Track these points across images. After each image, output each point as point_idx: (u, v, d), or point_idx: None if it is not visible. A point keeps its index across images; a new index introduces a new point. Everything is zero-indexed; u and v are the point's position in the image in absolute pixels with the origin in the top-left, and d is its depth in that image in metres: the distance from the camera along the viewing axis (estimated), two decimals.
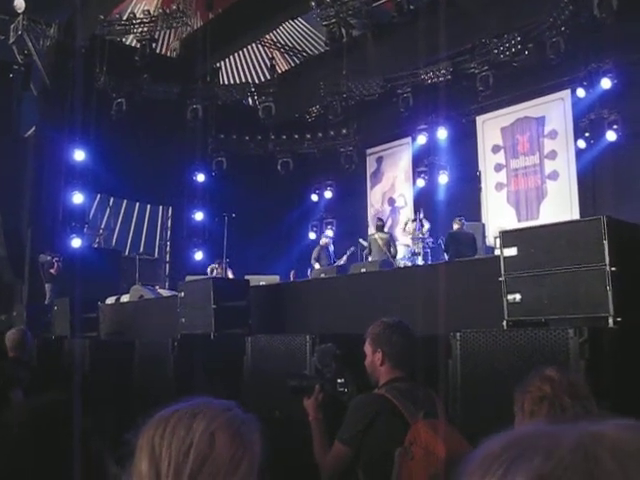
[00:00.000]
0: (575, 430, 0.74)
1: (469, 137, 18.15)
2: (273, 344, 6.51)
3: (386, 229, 14.96)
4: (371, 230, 14.64)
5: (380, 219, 16.01)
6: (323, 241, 16.35)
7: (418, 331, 3.85)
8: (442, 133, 17.98)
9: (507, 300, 5.46)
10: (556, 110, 16.68)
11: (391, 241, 14.63)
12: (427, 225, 15.24)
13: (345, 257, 15.44)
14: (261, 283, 12.10)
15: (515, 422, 2.54)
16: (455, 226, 13.88)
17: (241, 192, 18.37)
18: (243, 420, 1.40)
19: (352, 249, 15.48)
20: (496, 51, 15.86)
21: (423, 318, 6.03)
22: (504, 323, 5.43)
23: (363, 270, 11.22)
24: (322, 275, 12.42)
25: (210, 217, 18.95)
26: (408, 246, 15.17)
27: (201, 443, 1.33)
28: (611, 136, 14.78)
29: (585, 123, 15.27)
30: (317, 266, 15.25)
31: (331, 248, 16.17)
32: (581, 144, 15.52)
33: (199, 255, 19.50)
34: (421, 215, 15.67)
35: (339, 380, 3.81)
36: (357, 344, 3.79)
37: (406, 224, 15.84)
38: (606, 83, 14.60)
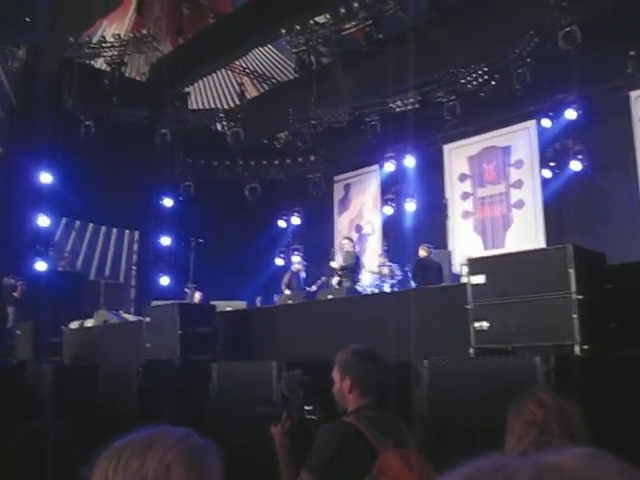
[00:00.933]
0: (533, 461, 0.74)
1: (436, 165, 18.30)
2: (239, 371, 6.46)
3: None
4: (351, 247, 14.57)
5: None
6: (295, 267, 16.23)
7: (387, 358, 3.83)
8: (410, 161, 18.09)
9: (474, 328, 5.47)
10: (522, 140, 16.88)
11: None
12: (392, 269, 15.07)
13: (315, 287, 15.27)
14: (227, 309, 12.03)
15: (505, 442, 2.51)
16: (422, 253, 13.92)
17: (208, 217, 18.30)
18: (201, 448, 1.34)
19: (323, 279, 15.36)
20: (463, 81, 16.05)
21: (391, 345, 6.01)
22: (471, 350, 5.44)
23: (330, 297, 11.21)
24: (289, 301, 12.38)
25: (177, 242, 18.82)
26: (374, 273, 15.14)
27: (156, 476, 1.27)
28: (576, 166, 14.97)
29: (550, 153, 15.47)
30: (287, 292, 15.17)
31: (302, 275, 16.09)
32: (546, 173, 15.70)
33: (165, 280, 19.33)
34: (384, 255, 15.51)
35: (307, 407, 3.77)
36: (325, 371, 3.75)
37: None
38: (571, 114, 14.80)
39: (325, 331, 8.18)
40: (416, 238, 15.75)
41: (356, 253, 14.76)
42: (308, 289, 15.16)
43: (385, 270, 14.50)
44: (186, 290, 16.12)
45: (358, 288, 13.66)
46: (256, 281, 19.15)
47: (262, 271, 19.83)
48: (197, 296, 15.74)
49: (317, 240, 20.33)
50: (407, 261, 14.73)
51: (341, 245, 15.30)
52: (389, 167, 18.73)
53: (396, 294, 11.18)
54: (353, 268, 14.15)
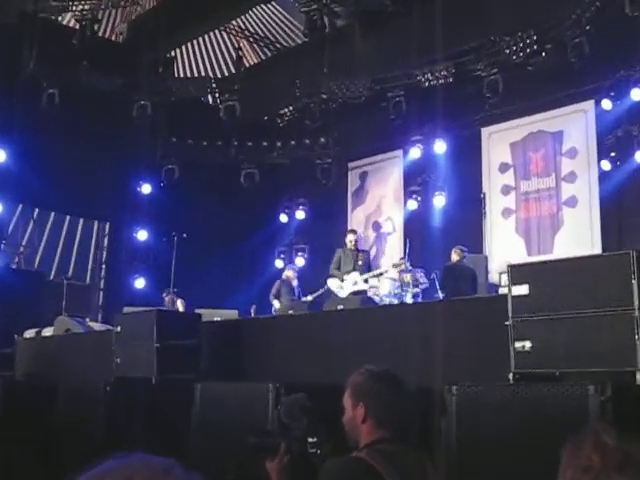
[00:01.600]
0: None
1: (472, 152, 18.24)
2: (228, 393, 6.49)
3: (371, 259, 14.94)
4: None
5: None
6: (286, 274, 16.32)
7: (409, 382, 3.84)
8: (440, 146, 18.04)
9: (515, 348, 5.47)
10: (577, 124, 16.83)
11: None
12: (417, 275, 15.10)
13: (312, 297, 15.30)
14: (216, 319, 12.06)
15: None
16: (454, 257, 13.94)
17: (195, 208, 18.35)
18: None
19: (326, 287, 15.37)
20: (507, 51, 15.99)
21: (414, 367, 6.02)
22: (510, 376, 5.44)
23: (340, 307, 11.21)
24: (290, 312, 12.39)
25: (156, 237, 18.84)
26: (394, 280, 15.14)
27: None
28: None
29: (611, 141, 15.38)
30: (276, 304, 15.28)
31: (295, 283, 16.13)
32: (605, 165, 15.60)
33: (141, 283, 19.35)
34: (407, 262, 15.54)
35: (310, 439, 3.78)
36: (333, 396, 3.77)
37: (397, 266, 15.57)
38: (636, 94, 14.73)
39: (334, 349, 8.19)
40: (445, 239, 15.77)
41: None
42: (304, 298, 15.20)
43: (407, 277, 14.50)
44: (164, 296, 16.16)
45: (374, 298, 13.68)
46: (251, 287, 19.11)
47: (259, 275, 19.81)
48: (179, 303, 15.78)
49: (326, 239, 20.25)
50: (434, 267, 14.73)
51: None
52: (415, 153, 18.71)
53: (420, 306, 11.19)
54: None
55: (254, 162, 20.38)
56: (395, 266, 14.89)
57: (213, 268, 18.48)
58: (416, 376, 5.48)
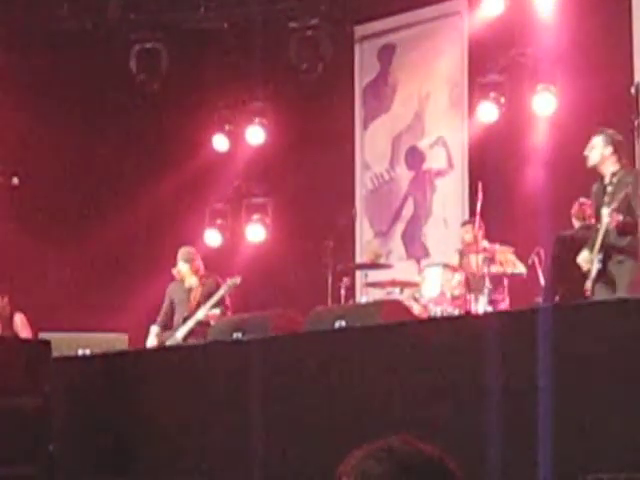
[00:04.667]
0: None
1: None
2: None
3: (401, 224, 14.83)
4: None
5: None
6: (178, 269, 16.50)
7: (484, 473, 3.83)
8: None
9: None
10: None
11: None
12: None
13: (216, 298, 15.54)
14: (82, 352, 12.12)
15: None
16: (577, 221, 13.92)
17: (35, 122, 18.32)
18: None
19: (235, 281, 15.57)
20: None
21: (492, 443, 6.02)
22: None
23: (340, 324, 11.16)
24: (236, 335, 12.38)
25: None
26: (452, 270, 15.27)
27: None
28: None
29: None
30: (153, 333, 15.73)
31: (191, 282, 16.27)
32: None
33: None
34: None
35: None
36: None
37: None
38: None
39: (319, 411, 8.24)
40: (555, 185, 15.77)
41: None
42: (196, 313, 15.49)
43: (477, 260, 14.65)
44: None
45: (411, 304, 13.75)
46: (155, 284, 19.03)
47: (169, 260, 19.75)
48: (19, 322, 15.80)
49: (311, 185, 20.31)
50: (534, 241, 14.81)
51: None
52: (491, 5, 18.64)
53: (505, 319, 11.18)
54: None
55: (156, 27, 20.29)
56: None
57: (74, 250, 18.49)
58: (499, 459, 5.50)
